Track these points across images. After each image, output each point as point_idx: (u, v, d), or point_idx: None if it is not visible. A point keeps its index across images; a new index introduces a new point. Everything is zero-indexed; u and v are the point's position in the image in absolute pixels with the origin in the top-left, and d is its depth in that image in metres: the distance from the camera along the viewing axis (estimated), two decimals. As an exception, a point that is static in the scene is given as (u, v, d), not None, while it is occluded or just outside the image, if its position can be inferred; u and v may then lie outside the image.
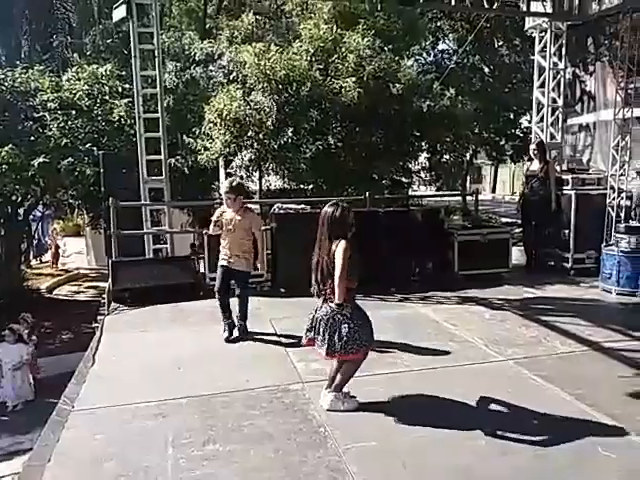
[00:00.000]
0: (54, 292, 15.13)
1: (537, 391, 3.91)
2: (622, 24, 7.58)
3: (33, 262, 18.09)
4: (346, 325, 3.39)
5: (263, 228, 5.29)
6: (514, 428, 3.35)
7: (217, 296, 5.06)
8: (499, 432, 3.30)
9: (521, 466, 2.96)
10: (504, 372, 4.28)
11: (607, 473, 2.90)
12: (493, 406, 3.65)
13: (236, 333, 5.06)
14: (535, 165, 7.76)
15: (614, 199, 7.48)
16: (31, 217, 14.08)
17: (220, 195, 11.54)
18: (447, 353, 4.63)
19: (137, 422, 3.53)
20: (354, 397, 3.68)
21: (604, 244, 7.05)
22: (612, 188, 7.51)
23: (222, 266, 5.05)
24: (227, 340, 4.98)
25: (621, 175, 7.47)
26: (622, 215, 7.47)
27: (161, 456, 3.11)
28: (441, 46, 19.15)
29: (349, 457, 3.06)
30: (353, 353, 3.44)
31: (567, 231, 7.58)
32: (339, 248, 3.36)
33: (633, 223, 7.19)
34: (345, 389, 3.66)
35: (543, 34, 8.65)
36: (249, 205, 5.24)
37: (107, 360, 4.69)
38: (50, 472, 3.01)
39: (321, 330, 3.44)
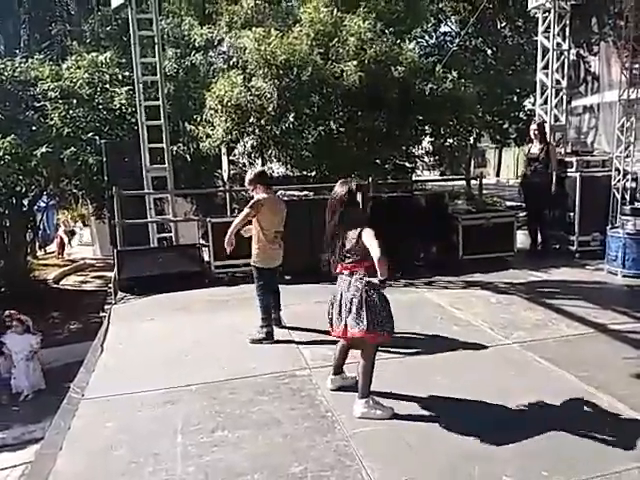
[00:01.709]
0: (61, 282, 15.24)
1: (543, 374, 3.93)
2: (626, 3, 7.48)
3: (39, 253, 18.19)
4: (380, 304, 3.25)
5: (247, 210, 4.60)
6: (519, 410, 3.38)
7: None
8: (504, 414, 3.32)
9: (526, 447, 2.98)
10: (510, 355, 4.29)
11: (614, 454, 2.91)
12: (499, 389, 3.66)
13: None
14: (536, 147, 7.70)
15: (619, 181, 7.44)
16: (36, 207, 14.11)
17: (224, 183, 11.56)
18: (452, 337, 4.64)
19: (146, 410, 3.57)
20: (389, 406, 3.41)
21: (609, 226, 7.03)
22: (617, 170, 7.47)
23: None
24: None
25: (626, 157, 7.42)
26: (627, 197, 7.44)
27: (171, 443, 3.15)
28: (443, 28, 18.91)
29: (356, 441, 3.09)
30: (379, 333, 3.25)
31: (572, 214, 7.55)
32: (367, 234, 3.20)
33: (638, 205, 7.16)
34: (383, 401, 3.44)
35: (546, 14, 8.51)
36: (262, 193, 4.69)
37: (115, 349, 4.72)
38: (62, 460, 3.06)
39: (354, 309, 3.22)
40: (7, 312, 8.47)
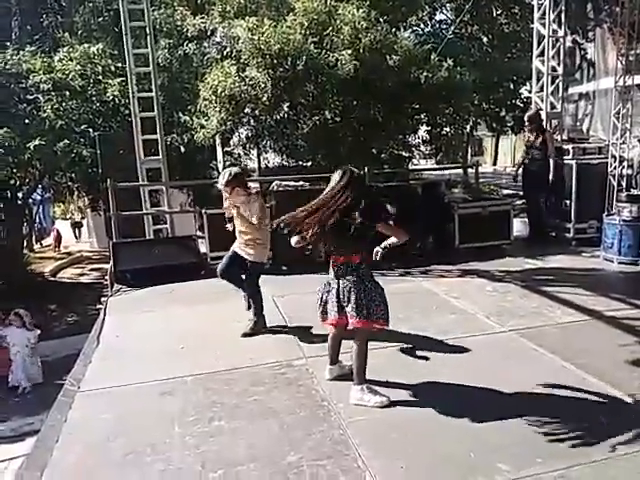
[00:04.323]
0: (58, 275, 15.23)
1: (539, 361, 3.93)
2: (623, -12, 7.40)
3: (35, 246, 18.16)
4: (375, 292, 3.34)
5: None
6: (515, 398, 3.39)
7: (219, 277, 4.75)
8: (500, 402, 3.33)
9: (521, 435, 2.99)
10: (506, 343, 4.29)
11: (609, 441, 2.91)
12: (495, 377, 3.66)
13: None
14: (532, 135, 7.72)
15: (615, 168, 7.42)
16: (30, 201, 14.08)
17: (219, 174, 11.51)
18: (449, 326, 4.64)
19: (143, 401, 3.57)
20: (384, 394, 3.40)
21: (606, 213, 7.02)
22: (613, 157, 7.44)
23: (233, 250, 4.71)
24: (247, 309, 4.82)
25: (622, 143, 7.39)
26: (624, 184, 7.42)
27: (167, 434, 3.14)
28: (438, 16, 18.78)
29: (353, 430, 3.09)
30: (375, 321, 3.32)
31: (568, 201, 7.55)
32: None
33: (635, 192, 7.15)
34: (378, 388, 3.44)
35: (542, 1, 8.45)
36: (254, 192, 4.65)
37: (111, 341, 4.72)
38: (58, 452, 3.05)
39: (352, 298, 3.26)
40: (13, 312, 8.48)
